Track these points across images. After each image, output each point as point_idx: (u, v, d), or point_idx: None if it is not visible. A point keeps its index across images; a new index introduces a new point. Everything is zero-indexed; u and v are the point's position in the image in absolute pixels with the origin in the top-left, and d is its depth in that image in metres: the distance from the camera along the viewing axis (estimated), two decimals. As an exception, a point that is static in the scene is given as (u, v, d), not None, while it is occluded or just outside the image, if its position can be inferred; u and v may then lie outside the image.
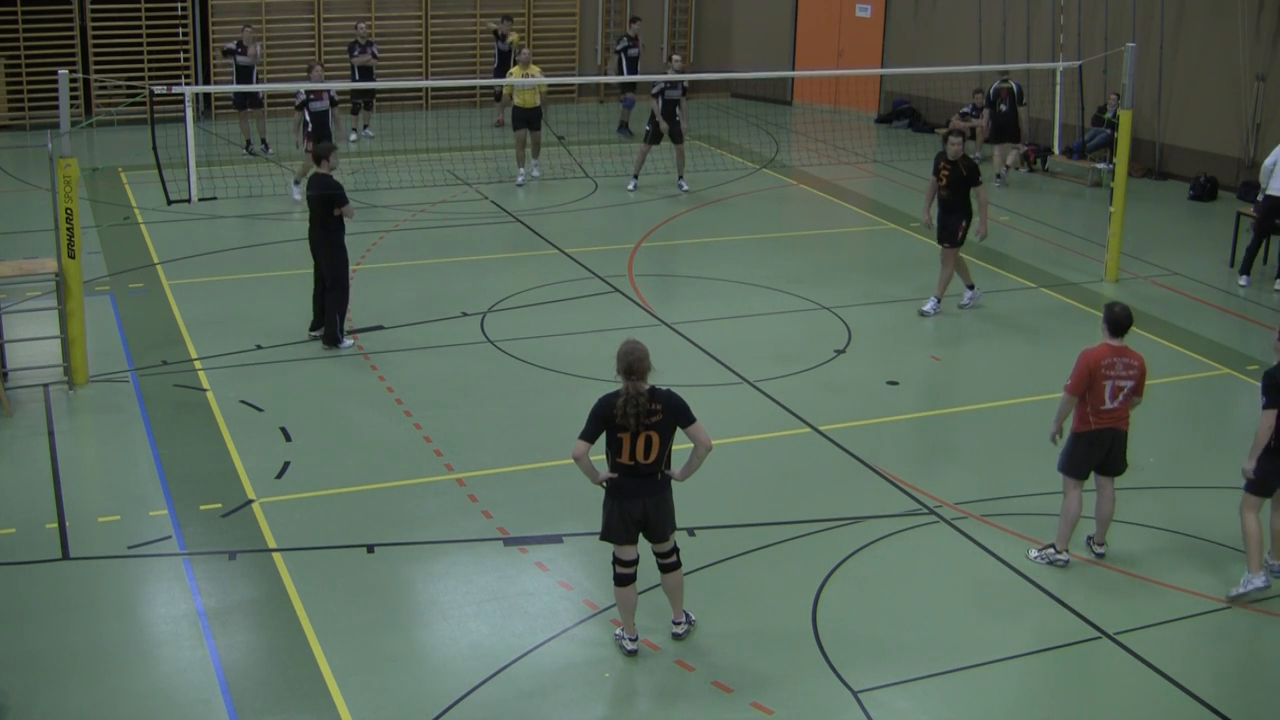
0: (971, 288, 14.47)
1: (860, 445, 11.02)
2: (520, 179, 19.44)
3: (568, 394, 11.94)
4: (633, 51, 22.80)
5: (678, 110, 19.19)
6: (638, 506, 7.86)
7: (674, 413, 7.76)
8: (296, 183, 18.26)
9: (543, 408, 11.69)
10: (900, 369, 12.77)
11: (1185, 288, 15.41)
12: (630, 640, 8.10)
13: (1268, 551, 9.02)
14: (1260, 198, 15.45)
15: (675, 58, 20.22)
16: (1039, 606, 8.78)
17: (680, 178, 19.48)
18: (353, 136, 22.12)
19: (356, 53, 21.86)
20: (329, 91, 17.86)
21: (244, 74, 21.02)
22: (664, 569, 8.14)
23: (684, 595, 8.27)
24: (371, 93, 22.31)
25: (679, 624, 8.26)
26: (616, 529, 7.93)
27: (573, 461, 7.74)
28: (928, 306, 14.15)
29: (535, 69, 19.33)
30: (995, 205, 19.26)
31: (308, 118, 17.76)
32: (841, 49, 25.82)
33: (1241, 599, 8.80)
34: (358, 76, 21.86)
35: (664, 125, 19.03)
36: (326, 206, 12.52)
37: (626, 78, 21.75)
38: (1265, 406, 8.71)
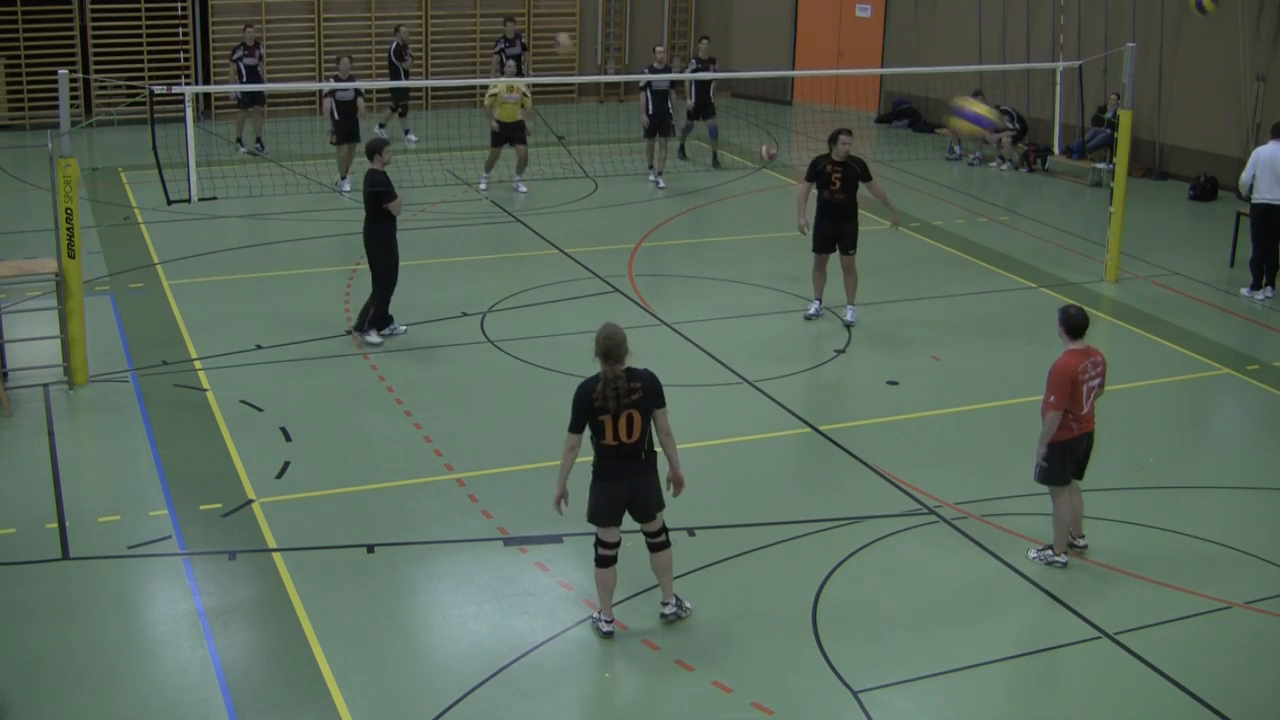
0: (821, 300, 14.01)
1: (860, 445, 11.02)
2: (484, 184, 18.84)
3: (568, 394, 11.85)
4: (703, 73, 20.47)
5: (669, 103, 19.32)
6: (624, 487, 8.00)
7: (652, 392, 7.98)
8: (342, 177, 18.52)
9: (543, 408, 11.67)
10: (900, 369, 12.77)
11: (1185, 288, 15.40)
12: (606, 622, 8.20)
13: None
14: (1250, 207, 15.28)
15: (659, 49, 20.18)
16: (1039, 606, 8.78)
17: (659, 173, 19.61)
18: (412, 139, 22.15)
19: (398, 57, 22.03)
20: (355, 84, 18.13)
21: (251, 74, 21.11)
22: (653, 548, 8.26)
23: (673, 579, 8.36)
24: (406, 95, 22.31)
25: (668, 605, 8.33)
26: (604, 511, 8.06)
27: (575, 461, 7.80)
28: (849, 316, 13.73)
29: (521, 83, 18.60)
30: (994, 204, 19.30)
31: (334, 108, 17.99)
32: (841, 49, 25.82)
33: None
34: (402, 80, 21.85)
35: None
36: (375, 201, 12.65)
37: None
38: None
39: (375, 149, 12.71)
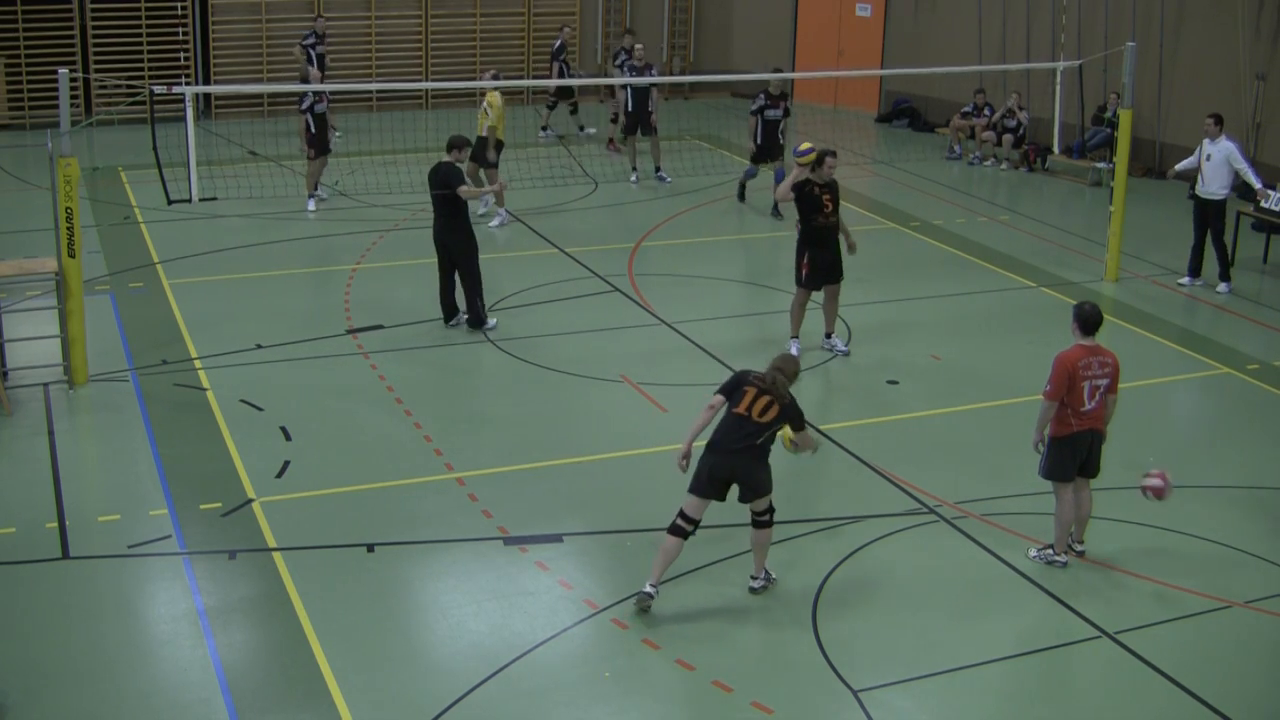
0: (798, 337, 13.01)
1: (860, 445, 11.02)
2: (484, 209, 17.56)
3: (568, 394, 11.94)
4: (772, 113, 17.95)
5: (649, 101, 19.40)
6: (727, 466, 8.36)
7: (792, 413, 8.47)
8: (311, 195, 17.98)
9: (543, 407, 11.69)
10: (900, 368, 12.77)
11: (1185, 287, 15.40)
12: (650, 587, 8.43)
13: None
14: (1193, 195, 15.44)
15: (638, 46, 20.13)
16: (1039, 606, 8.79)
17: (658, 169, 19.79)
18: (589, 130, 22.42)
19: (557, 56, 22.28)
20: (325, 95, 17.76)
21: (321, 61, 21.47)
22: (754, 524, 8.67)
23: (765, 555, 8.75)
24: (572, 91, 22.52)
25: (756, 579, 8.73)
26: (703, 483, 8.44)
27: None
28: (843, 346, 13.09)
29: (495, 95, 17.05)
30: (994, 204, 19.31)
31: (311, 121, 17.66)
32: (841, 49, 25.82)
33: None
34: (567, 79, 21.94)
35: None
36: (447, 189, 12.86)
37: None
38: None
39: (456, 145, 13.06)
